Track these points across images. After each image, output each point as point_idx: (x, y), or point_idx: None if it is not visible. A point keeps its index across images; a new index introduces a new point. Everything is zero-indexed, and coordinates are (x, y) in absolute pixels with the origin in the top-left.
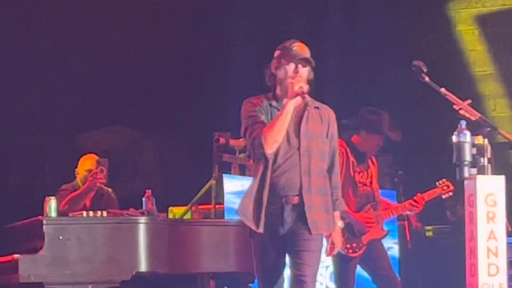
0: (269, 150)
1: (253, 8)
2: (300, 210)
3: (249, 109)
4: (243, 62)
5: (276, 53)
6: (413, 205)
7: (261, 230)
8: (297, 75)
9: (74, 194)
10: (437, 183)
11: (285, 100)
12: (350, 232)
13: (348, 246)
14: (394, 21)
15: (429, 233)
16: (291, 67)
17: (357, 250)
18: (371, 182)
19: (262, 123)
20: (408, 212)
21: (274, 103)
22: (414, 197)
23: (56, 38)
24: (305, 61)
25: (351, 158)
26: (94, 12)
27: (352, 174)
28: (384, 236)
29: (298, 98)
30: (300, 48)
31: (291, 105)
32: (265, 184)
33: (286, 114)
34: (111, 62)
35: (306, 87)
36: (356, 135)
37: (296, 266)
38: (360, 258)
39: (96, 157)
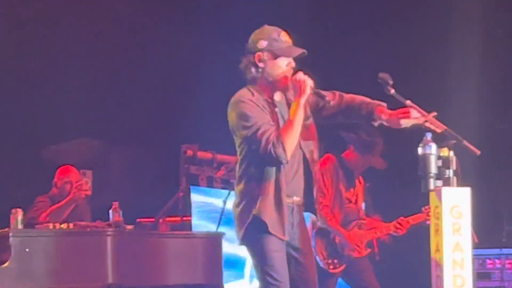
0: (289, 157)
1: (221, 21)
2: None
3: (253, 109)
4: (210, 74)
5: (262, 43)
6: (397, 228)
7: (287, 238)
8: (291, 69)
9: (57, 205)
10: (422, 208)
11: (277, 95)
12: (332, 248)
13: (330, 261)
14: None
15: None
16: (283, 60)
17: (338, 266)
18: (356, 200)
19: (273, 126)
20: (392, 233)
21: (268, 98)
22: (399, 220)
23: (20, 48)
24: (302, 55)
25: (341, 173)
26: (58, 22)
27: (340, 189)
28: (366, 255)
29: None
30: (288, 39)
31: (303, 106)
32: (282, 187)
33: (301, 116)
34: (78, 74)
35: (312, 84)
36: (348, 151)
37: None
38: (343, 272)
39: (74, 168)
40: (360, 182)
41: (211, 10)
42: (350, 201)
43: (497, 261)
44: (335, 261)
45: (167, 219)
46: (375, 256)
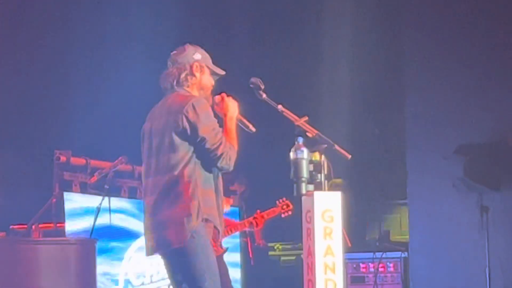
0: None
1: (95, 25)
2: None
3: (212, 113)
4: (84, 80)
5: (198, 55)
6: (252, 223)
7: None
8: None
9: None
10: (277, 202)
11: None
12: None
13: None
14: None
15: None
16: (212, 78)
17: None
18: None
19: None
20: (248, 229)
21: None
22: (255, 215)
23: None
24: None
25: None
26: None
27: None
28: (222, 254)
29: None
30: None
31: None
32: (220, 192)
33: None
34: None
35: None
36: None
37: None
38: None
39: None
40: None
41: (84, 13)
42: None
43: (370, 265)
44: None
45: (40, 225)
46: (250, 261)
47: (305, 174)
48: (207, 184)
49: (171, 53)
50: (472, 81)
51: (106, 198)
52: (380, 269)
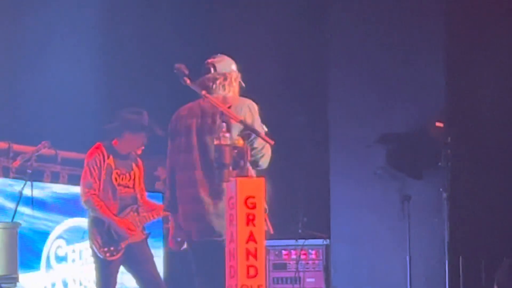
0: None
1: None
2: None
3: None
4: (6, 63)
5: (235, 66)
6: None
7: None
8: None
9: None
10: None
11: None
12: (108, 235)
13: (106, 249)
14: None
15: None
16: None
17: (115, 253)
18: (134, 184)
19: None
20: None
21: None
22: None
23: None
24: None
25: (108, 161)
26: None
27: (110, 177)
28: (145, 239)
29: None
30: None
31: None
32: None
33: None
34: None
35: None
36: (117, 138)
37: None
38: (124, 261)
39: None
40: (137, 166)
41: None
42: (127, 186)
43: (292, 252)
44: (112, 248)
45: None
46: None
47: (228, 160)
48: None
49: (209, 60)
50: (395, 71)
51: (29, 183)
52: (302, 256)
